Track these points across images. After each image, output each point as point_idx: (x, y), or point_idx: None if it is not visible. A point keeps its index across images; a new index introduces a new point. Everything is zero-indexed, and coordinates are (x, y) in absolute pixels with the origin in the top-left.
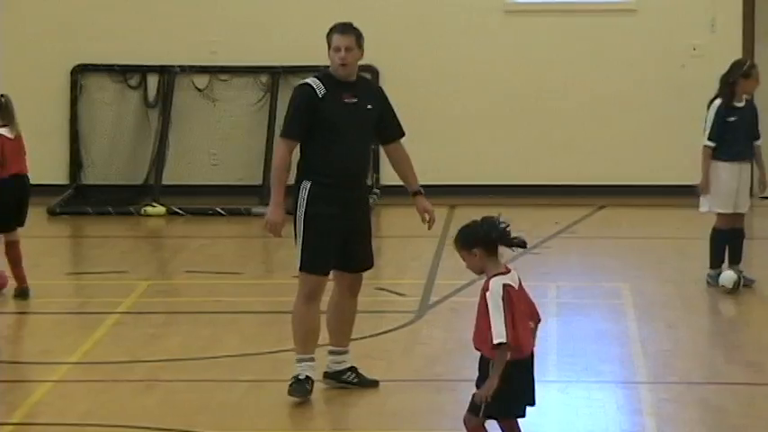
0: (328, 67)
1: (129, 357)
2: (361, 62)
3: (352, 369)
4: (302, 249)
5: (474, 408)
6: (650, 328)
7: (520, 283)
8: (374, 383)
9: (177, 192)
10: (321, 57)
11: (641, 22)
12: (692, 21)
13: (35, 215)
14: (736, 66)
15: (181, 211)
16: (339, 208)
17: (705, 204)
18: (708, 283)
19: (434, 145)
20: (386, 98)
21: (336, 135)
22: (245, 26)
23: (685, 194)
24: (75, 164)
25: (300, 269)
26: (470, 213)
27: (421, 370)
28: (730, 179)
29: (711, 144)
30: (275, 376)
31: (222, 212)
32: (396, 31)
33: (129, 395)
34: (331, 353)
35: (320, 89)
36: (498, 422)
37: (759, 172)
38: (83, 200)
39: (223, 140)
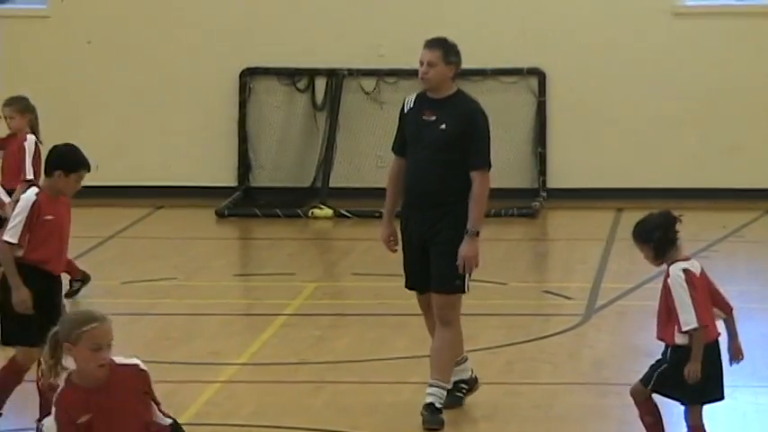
0: (487, 71)
1: (296, 359)
2: (528, 65)
3: (427, 405)
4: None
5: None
6: None
7: (702, 271)
8: (435, 427)
9: (344, 194)
10: (489, 59)
11: None
12: None
13: (203, 217)
14: None
15: (348, 214)
16: (415, 223)
17: None
18: None
19: (601, 148)
20: (474, 124)
21: (410, 154)
22: (413, 29)
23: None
24: (244, 166)
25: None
26: (637, 217)
27: (587, 373)
28: None
29: None
30: None
31: None
32: (562, 35)
33: (296, 396)
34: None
35: (409, 104)
36: (689, 413)
37: None
38: (251, 202)
39: (390, 143)
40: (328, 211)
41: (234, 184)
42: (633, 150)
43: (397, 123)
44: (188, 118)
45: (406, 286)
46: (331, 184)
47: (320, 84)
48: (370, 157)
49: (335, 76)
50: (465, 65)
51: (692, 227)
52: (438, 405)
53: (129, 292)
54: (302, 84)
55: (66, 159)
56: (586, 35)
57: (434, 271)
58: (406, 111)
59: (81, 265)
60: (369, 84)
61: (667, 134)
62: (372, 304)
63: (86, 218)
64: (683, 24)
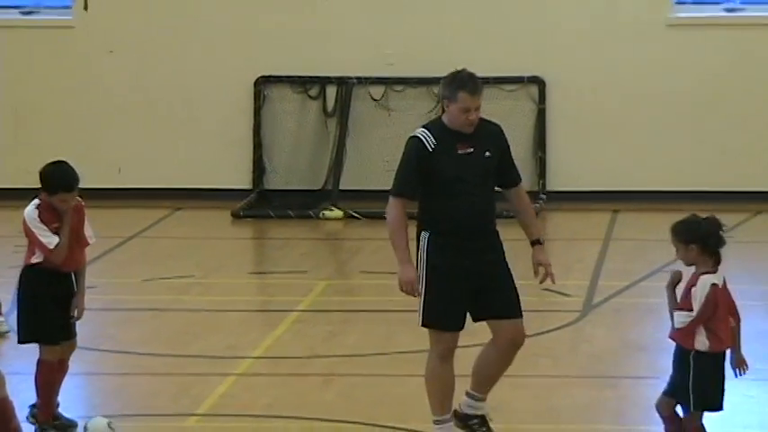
0: (489, 79)
1: (308, 353)
2: (527, 73)
3: (482, 418)
4: (426, 303)
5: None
6: None
7: (724, 283)
8: None
9: (354, 196)
10: (491, 68)
11: None
12: None
13: (219, 218)
14: None
15: (357, 215)
16: (459, 257)
17: None
18: None
19: (598, 152)
20: (506, 142)
21: (453, 188)
22: (420, 39)
23: None
24: (259, 170)
25: (428, 326)
26: (632, 218)
27: (584, 367)
28: None
29: None
30: None
31: None
32: (562, 45)
33: (309, 389)
34: (468, 395)
35: (430, 142)
36: (691, 429)
37: None
38: (265, 204)
39: (397, 148)
40: (339, 213)
41: (249, 186)
42: (628, 154)
43: (410, 163)
44: (205, 124)
45: (445, 328)
46: (341, 187)
47: (331, 91)
48: (378, 161)
49: (345, 84)
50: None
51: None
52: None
53: (150, 290)
54: (314, 91)
55: (45, 182)
56: (584, 45)
57: (508, 296)
58: (431, 150)
59: (104, 264)
60: (377, 91)
61: (661, 139)
62: (381, 301)
63: (109, 219)
64: (676, 35)
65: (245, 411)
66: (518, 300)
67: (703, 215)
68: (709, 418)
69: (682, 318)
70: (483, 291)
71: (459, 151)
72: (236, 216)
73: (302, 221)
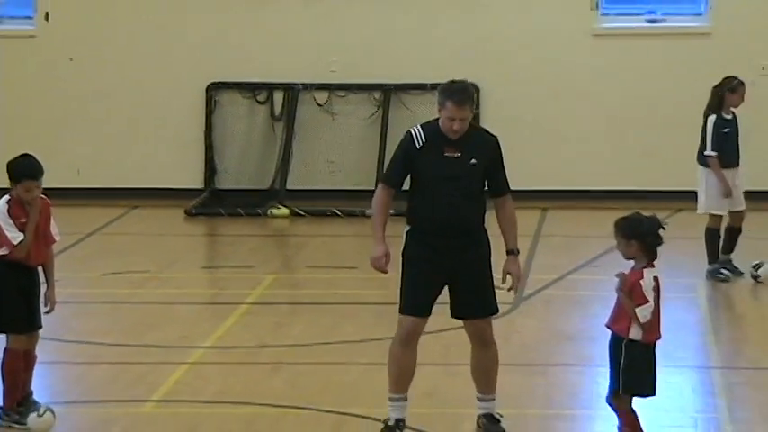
0: (426, 85)
1: (257, 343)
2: (466, 77)
3: (485, 416)
4: (400, 291)
5: (615, 389)
6: (722, 318)
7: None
8: None
9: (300, 195)
10: (429, 75)
11: (715, 44)
12: (761, 42)
13: (173, 216)
14: (725, 81)
15: (303, 213)
16: (435, 253)
17: (702, 206)
18: (709, 278)
19: (529, 154)
20: (498, 153)
21: (433, 187)
22: (361, 48)
23: (758, 200)
24: (210, 170)
25: (399, 311)
26: (560, 216)
27: (516, 355)
28: (722, 184)
29: (714, 154)
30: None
31: (339, 214)
32: (495, 54)
33: (257, 376)
34: (476, 396)
35: (420, 140)
36: (617, 411)
37: None
38: (216, 202)
39: (340, 150)
40: (285, 211)
41: (201, 186)
42: (557, 156)
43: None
44: (160, 128)
45: (412, 311)
46: (288, 187)
47: (278, 97)
48: (322, 162)
49: (291, 90)
50: (407, 80)
51: (609, 225)
52: (496, 416)
53: (108, 283)
54: (262, 97)
55: (11, 172)
56: (516, 54)
57: (474, 297)
58: (418, 147)
59: (65, 259)
60: (321, 97)
61: (587, 142)
62: (325, 294)
63: (69, 217)
64: (601, 44)
65: (197, 397)
66: (489, 299)
67: (646, 214)
68: (635, 402)
69: (645, 311)
70: (455, 290)
71: (446, 154)
72: (188, 214)
73: (251, 219)
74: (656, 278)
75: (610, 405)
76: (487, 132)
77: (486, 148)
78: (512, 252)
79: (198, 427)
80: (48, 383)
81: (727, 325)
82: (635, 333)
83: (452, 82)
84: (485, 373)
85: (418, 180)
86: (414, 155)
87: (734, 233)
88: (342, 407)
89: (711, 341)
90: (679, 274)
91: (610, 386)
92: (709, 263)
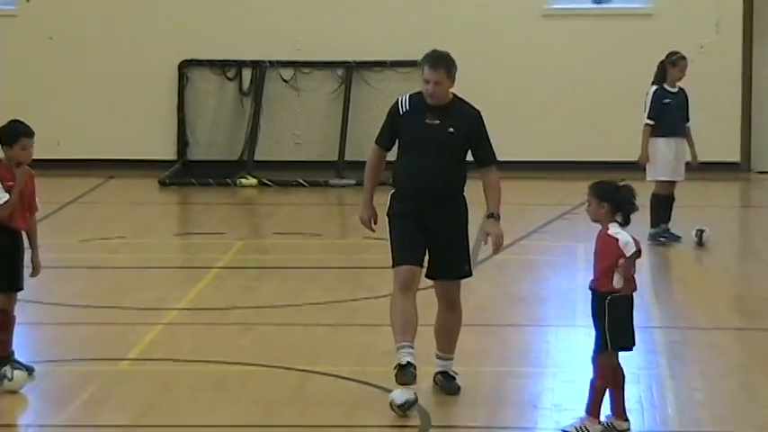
0: (386, 62)
1: (227, 305)
2: (420, 58)
3: (441, 374)
4: (391, 248)
5: (602, 344)
6: (663, 280)
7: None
8: (453, 392)
9: (267, 166)
10: (388, 53)
11: (657, 24)
12: (700, 22)
13: (148, 185)
14: (668, 55)
15: (270, 183)
16: (416, 212)
17: (649, 174)
18: (649, 240)
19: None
20: (479, 125)
21: (413, 152)
22: (325, 27)
23: (690, 170)
24: (182, 143)
25: (392, 265)
26: (513, 185)
27: (471, 316)
28: (667, 152)
29: (651, 122)
30: (350, 321)
31: (304, 184)
32: (450, 32)
33: (227, 336)
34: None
35: (404, 107)
36: (598, 368)
37: (690, 150)
38: (188, 173)
39: (305, 123)
40: (253, 181)
41: (174, 157)
42: (509, 129)
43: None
44: (135, 102)
45: (407, 261)
46: (256, 158)
47: (246, 73)
48: (288, 135)
49: (259, 67)
50: (368, 57)
51: (557, 194)
52: (452, 374)
53: (86, 249)
54: (231, 73)
55: (6, 135)
56: (469, 33)
57: (446, 260)
58: (401, 113)
59: (45, 227)
60: (287, 73)
61: (538, 116)
62: (291, 259)
63: (49, 186)
64: (549, 24)
65: (170, 356)
66: (462, 264)
67: (621, 182)
68: (578, 361)
69: (628, 246)
70: (431, 251)
71: (427, 121)
72: (162, 184)
73: (221, 188)
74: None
75: (594, 363)
76: (471, 106)
77: (465, 120)
78: (491, 215)
79: (171, 384)
80: (29, 344)
81: (668, 287)
82: (617, 281)
83: (433, 50)
84: (447, 334)
85: (401, 144)
86: (397, 120)
87: (669, 201)
88: (306, 365)
89: (653, 302)
90: None
91: (595, 346)
92: (652, 226)
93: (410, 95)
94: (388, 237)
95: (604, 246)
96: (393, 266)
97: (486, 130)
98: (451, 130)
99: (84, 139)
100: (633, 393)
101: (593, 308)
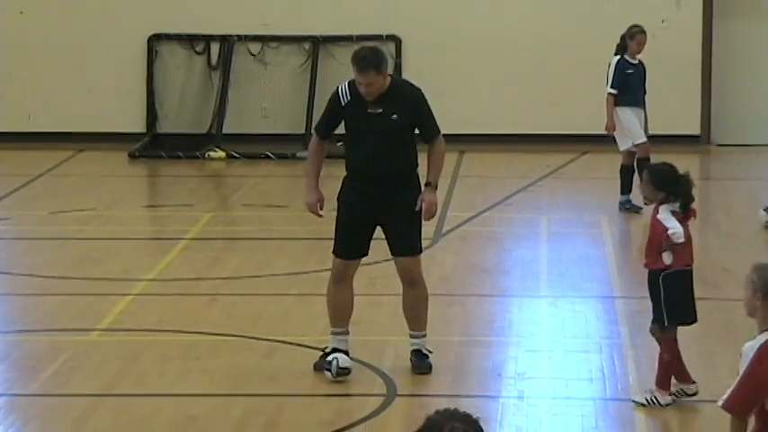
0: (353, 37)
1: (195, 275)
2: (385, 32)
3: (413, 352)
4: (335, 233)
5: (659, 319)
6: (624, 252)
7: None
8: (424, 371)
9: (235, 139)
10: (354, 27)
11: None
12: None
13: (117, 158)
14: (629, 28)
15: (238, 156)
16: (365, 199)
17: (623, 144)
18: (620, 208)
19: (447, 101)
20: (422, 106)
21: (358, 140)
22: (292, 2)
23: (655, 143)
24: (151, 116)
25: (332, 252)
26: (476, 158)
27: (435, 287)
28: (632, 118)
29: (614, 91)
30: (316, 291)
31: (272, 156)
32: (415, 9)
33: (196, 307)
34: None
35: (345, 97)
36: (663, 342)
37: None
38: (157, 145)
39: (272, 97)
40: (222, 154)
41: (143, 130)
42: (473, 103)
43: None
44: (105, 76)
45: (341, 255)
46: (224, 131)
47: (215, 48)
48: (256, 108)
49: (227, 42)
50: (335, 32)
51: (521, 167)
52: (425, 352)
53: (57, 221)
54: (200, 48)
55: None
56: (434, 7)
57: (400, 238)
58: (343, 104)
59: (16, 199)
60: (255, 47)
61: (501, 89)
62: (259, 230)
63: (20, 159)
64: None
65: (139, 326)
66: (414, 241)
67: (681, 172)
68: (542, 330)
69: (675, 232)
70: (385, 231)
71: (369, 110)
72: (131, 156)
73: (190, 161)
74: (673, 212)
75: (653, 335)
76: (411, 86)
77: (407, 102)
78: (428, 184)
79: (140, 354)
80: (1, 314)
81: (628, 258)
82: (667, 257)
83: (361, 49)
84: (412, 310)
85: (347, 134)
86: (338, 111)
87: (640, 164)
88: (273, 335)
89: (614, 273)
90: (584, 213)
91: (653, 319)
92: (621, 194)
93: (350, 83)
94: (335, 220)
95: (652, 227)
96: (333, 253)
97: (428, 107)
98: (395, 116)
99: (54, 112)
100: (595, 362)
101: (649, 284)
